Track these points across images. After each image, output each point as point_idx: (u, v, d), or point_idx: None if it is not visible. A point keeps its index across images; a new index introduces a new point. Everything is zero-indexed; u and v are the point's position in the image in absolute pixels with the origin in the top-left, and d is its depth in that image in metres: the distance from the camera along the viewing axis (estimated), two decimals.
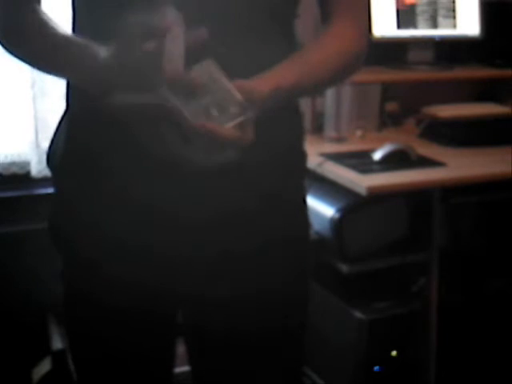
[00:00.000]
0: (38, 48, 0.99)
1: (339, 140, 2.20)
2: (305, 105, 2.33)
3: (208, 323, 1.11)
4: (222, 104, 0.87)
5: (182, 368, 1.47)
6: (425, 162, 1.99)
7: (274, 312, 1.10)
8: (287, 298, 1.11)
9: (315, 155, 2.04)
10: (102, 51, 0.88)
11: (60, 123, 1.09)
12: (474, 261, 2.15)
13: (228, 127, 0.85)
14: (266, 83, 0.93)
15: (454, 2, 2.50)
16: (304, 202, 1.17)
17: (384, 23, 2.42)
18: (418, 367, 2.06)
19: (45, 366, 2.07)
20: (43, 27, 0.98)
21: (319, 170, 1.96)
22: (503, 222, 2.17)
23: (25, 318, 2.15)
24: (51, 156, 1.10)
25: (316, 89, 1.10)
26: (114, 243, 1.02)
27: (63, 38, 0.97)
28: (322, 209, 1.97)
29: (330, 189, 1.97)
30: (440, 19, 2.49)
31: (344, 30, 1.07)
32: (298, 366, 1.21)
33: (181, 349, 1.20)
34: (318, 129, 2.28)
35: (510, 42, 2.56)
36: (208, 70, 0.87)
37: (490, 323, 2.17)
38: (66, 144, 1.06)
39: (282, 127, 1.01)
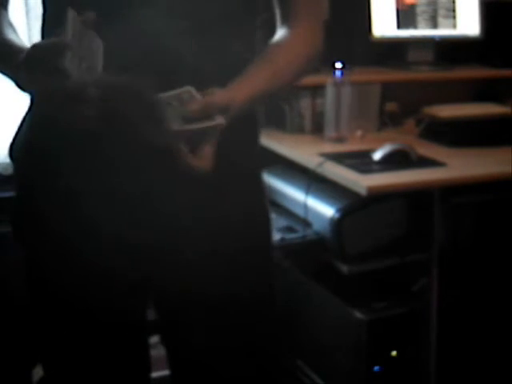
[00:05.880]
0: None
1: (339, 140, 2.20)
2: (305, 105, 2.33)
3: (178, 289, 1.12)
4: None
5: (159, 372, 1.47)
6: (425, 162, 1.99)
7: (238, 280, 1.12)
8: (249, 268, 1.14)
9: (315, 155, 2.04)
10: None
11: (24, 117, 1.12)
12: (474, 261, 2.15)
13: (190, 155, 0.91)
14: (240, 92, 0.99)
15: (453, 2, 2.50)
16: (259, 183, 1.18)
17: (384, 23, 2.42)
18: (418, 367, 2.06)
19: None
20: None
21: (319, 170, 1.96)
22: (503, 222, 2.17)
23: (25, 318, 2.14)
24: (14, 147, 1.13)
25: (281, 91, 1.16)
26: (72, 234, 1.05)
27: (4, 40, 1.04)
28: (321, 209, 1.97)
29: (330, 189, 1.97)
30: (440, 19, 2.50)
31: (303, 31, 1.12)
32: (273, 339, 1.22)
33: (155, 352, 1.21)
34: (318, 129, 2.29)
35: (510, 41, 2.56)
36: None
37: (490, 323, 2.17)
38: (28, 135, 1.09)
39: (235, 133, 1.02)
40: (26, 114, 1.12)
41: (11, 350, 2.16)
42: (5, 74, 1.04)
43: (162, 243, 1.06)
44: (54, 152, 1.03)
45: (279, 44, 1.12)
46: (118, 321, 1.12)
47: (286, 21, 1.13)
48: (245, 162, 1.12)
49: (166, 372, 1.26)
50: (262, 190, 1.19)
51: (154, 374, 1.24)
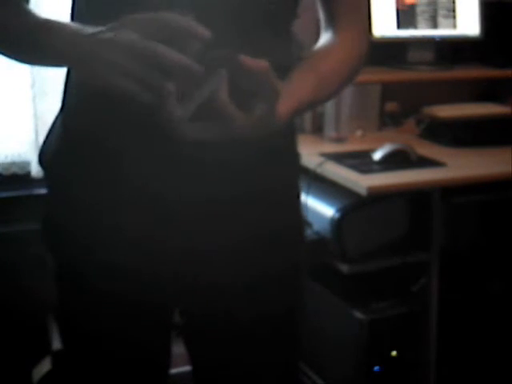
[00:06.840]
0: (18, 32, 0.97)
1: (339, 140, 2.20)
2: None
3: (206, 311, 1.10)
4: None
5: (179, 368, 1.46)
6: (425, 162, 1.99)
7: (268, 300, 1.10)
8: (281, 288, 1.11)
9: (315, 155, 2.04)
10: (88, 28, 0.87)
11: (54, 122, 1.10)
12: (474, 261, 2.15)
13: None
14: (288, 102, 0.93)
15: (453, 2, 2.50)
16: (298, 197, 1.17)
17: (384, 23, 2.42)
18: (418, 367, 2.06)
19: (45, 366, 2.08)
20: (25, 17, 0.97)
21: (319, 170, 1.96)
22: (503, 222, 2.17)
23: (25, 318, 2.15)
24: (44, 154, 1.11)
25: (329, 98, 1.13)
26: (110, 237, 1.02)
27: (43, 20, 0.95)
28: (321, 209, 1.97)
29: (330, 189, 1.97)
30: (440, 19, 2.49)
31: (349, 34, 1.08)
32: (296, 357, 1.21)
33: (177, 349, 1.20)
34: (318, 129, 2.29)
35: (510, 42, 2.56)
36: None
37: (490, 323, 2.17)
38: (60, 141, 1.07)
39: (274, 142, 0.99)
40: (57, 118, 1.09)
41: (11, 350, 2.16)
42: (55, 48, 0.93)
43: (195, 261, 1.04)
44: (98, 155, 1.00)
45: (325, 50, 1.07)
46: (145, 331, 1.11)
47: (331, 25, 1.09)
48: (284, 171, 1.10)
49: (185, 368, 1.25)
50: (299, 203, 1.15)
51: (174, 370, 1.23)
